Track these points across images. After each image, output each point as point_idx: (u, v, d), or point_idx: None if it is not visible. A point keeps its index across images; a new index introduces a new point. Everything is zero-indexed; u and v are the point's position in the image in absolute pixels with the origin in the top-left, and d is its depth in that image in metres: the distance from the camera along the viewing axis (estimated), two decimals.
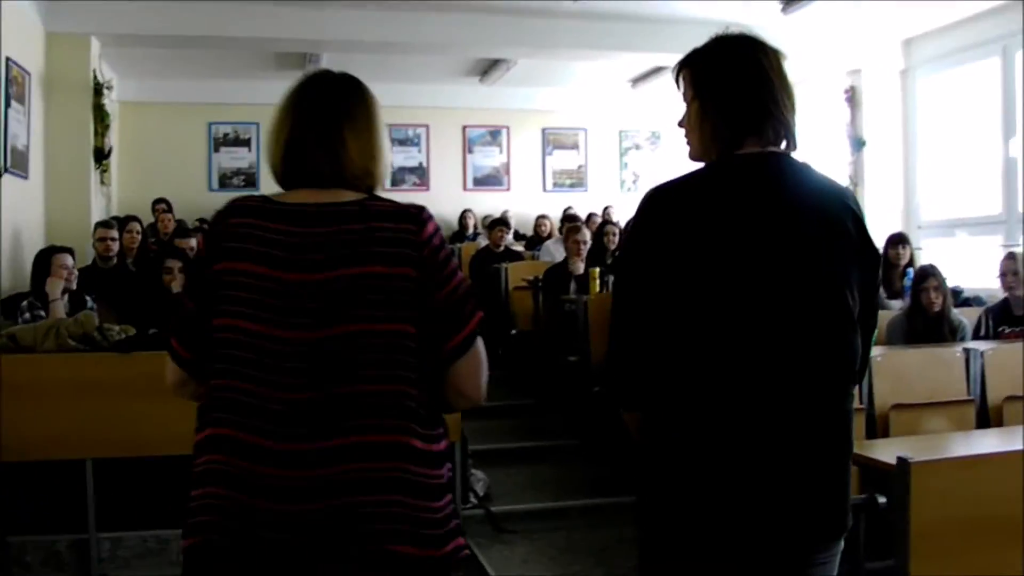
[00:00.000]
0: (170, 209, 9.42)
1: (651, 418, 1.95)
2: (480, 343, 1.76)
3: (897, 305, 6.05)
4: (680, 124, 2.06)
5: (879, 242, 3.42)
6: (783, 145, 1.97)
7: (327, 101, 1.81)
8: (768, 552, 1.88)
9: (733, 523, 1.84)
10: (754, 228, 1.86)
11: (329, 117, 1.78)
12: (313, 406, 1.61)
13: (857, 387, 2.04)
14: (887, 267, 6.49)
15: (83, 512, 4.34)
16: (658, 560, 1.97)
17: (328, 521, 1.60)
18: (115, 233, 6.17)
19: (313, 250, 1.66)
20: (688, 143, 2.04)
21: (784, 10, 8.02)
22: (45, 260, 5.00)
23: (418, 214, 1.72)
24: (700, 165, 1.99)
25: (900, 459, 2.90)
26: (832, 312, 1.88)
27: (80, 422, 4.28)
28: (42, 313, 4.78)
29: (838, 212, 1.93)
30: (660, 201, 1.93)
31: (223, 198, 6.91)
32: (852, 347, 1.92)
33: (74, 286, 4.99)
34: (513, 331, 7.60)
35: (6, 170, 5.41)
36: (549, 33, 8.47)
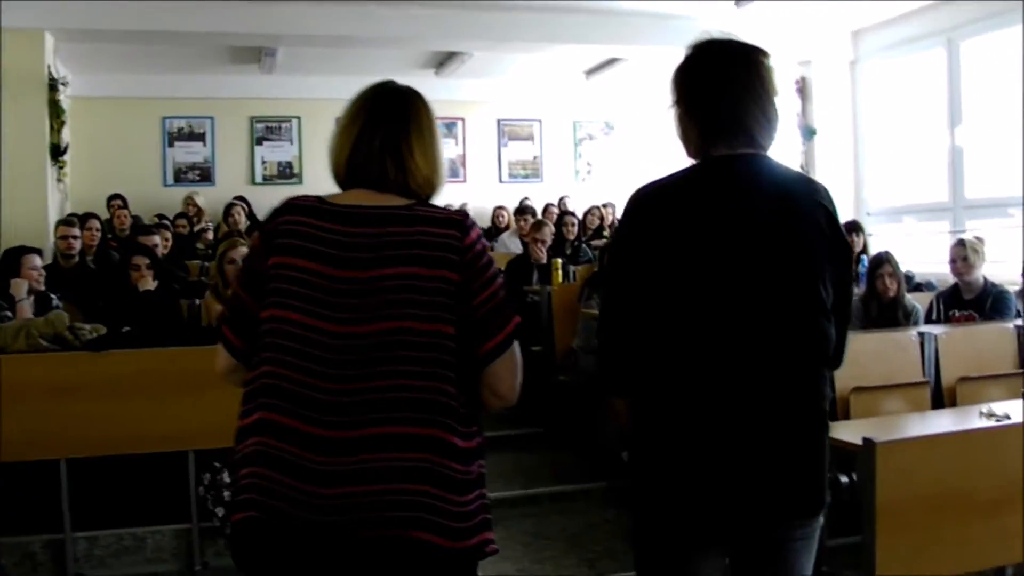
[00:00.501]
0: (125, 205, 9.34)
1: (638, 404, 2.09)
2: (516, 347, 1.86)
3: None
4: None
5: None
6: (755, 146, 2.09)
7: (395, 110, 1.92)
8: (749, 527, 2.02)
9: (714, 501, 1.97)
10: (726, 224, 2.00)
11: (398, 125, 1.90)
12: (353, 396, 1.71)
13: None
14: None
15: (58, 512, 4.34)
16: (648, 537, 2.11)
17: (359, 506, 1.69)
18: (77, 231, 6.15)
19: (361, 249, 1.77)
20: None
21: (737, 3, 8.15)
22: (12, 260, 4.96)
23: (463, 221, 1.83)
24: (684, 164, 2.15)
25: (866, 440, 3.04)
26: (803, 301, 2.01)
27: (54, 422, 4.27)
28: (8, 314, 4.75)
29: (809, 207, 2.07)
30: (642, 201, 2.10)
31: (177, 193, 7.01)
32: (824, 333, 2.05)
33: (42, 287, 4.96)
34: None
35: None
36: (506, 26, 8.52)
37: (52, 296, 5.01)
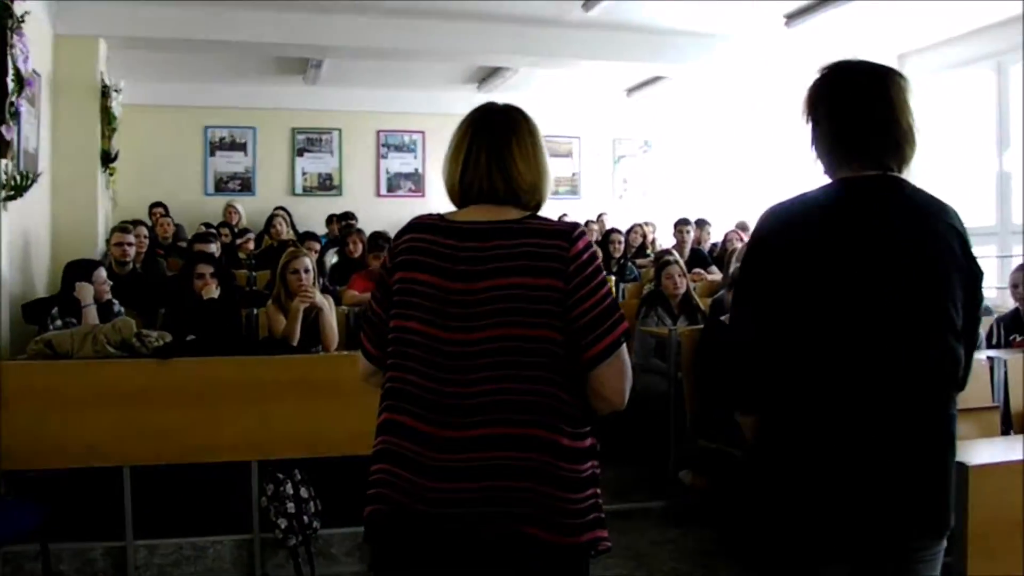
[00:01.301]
0: (167, 213, 9.38)
1: (769, 420, 2.10)
2: (624, 351, 1.95)
3: None
4: None
5: None
6: (889, 168, 2.09)
7: (496, 126, 2.04)
8: (878, 544, 2.00)
9: (844, 516, 1.98)
10: (865, 245, 2.00)
11: (501, 141, 2.02)
12: (466, 399, 1.85)
13: None
14: None
15: (120, 519, 4.32)
16: (777, 549, 2.11)
17: (473, 501, 1.83)
18: (132, 238, 6.15)
19: (473, 263, 1.91)
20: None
21: (788, 24, 8.12)
22: (77, 270, 4.96)
23: (571, 232, 1.93)
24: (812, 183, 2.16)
25: (959, 463, 2.98)
26: (938, 323, 2.01)
27: (118, 429, 4.27)
28: (73, 320, 4.74)
29: (943, 231, 2.07)
30: (778, 220, 2.10)
31: (218, 202, 7.01)
32: (955, 356, 2.05)
33: (107, 297, 4.95)
34: None
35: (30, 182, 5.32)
36: (551, 42, 8.50)
37: (115, 302, 5.00)
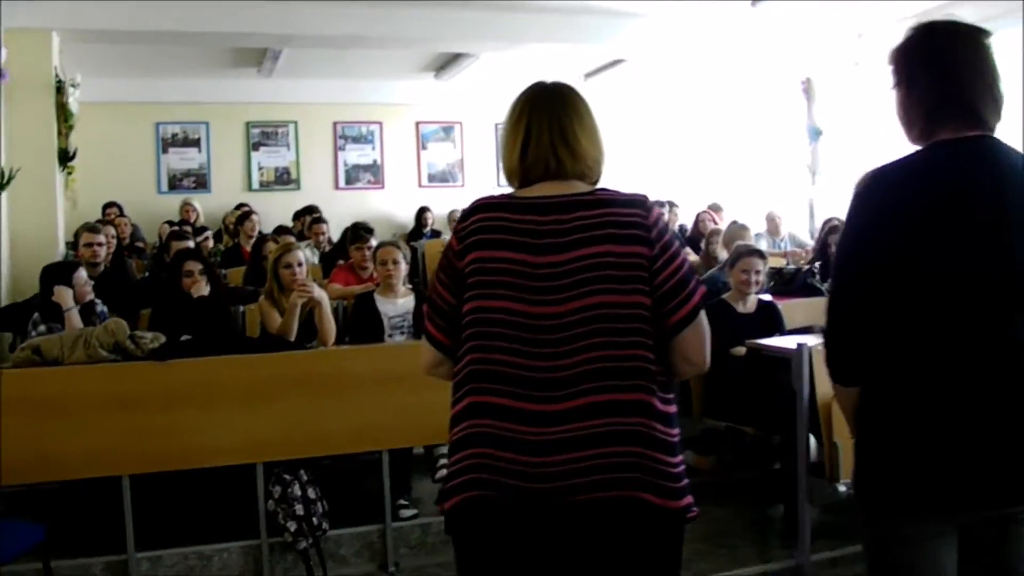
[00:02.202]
0: (122, 213, 9.08)
1: (874, 392, 2.03)
2: (703, 316, 1.97)
3: None
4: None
5: None
6: (984, 128, 2.03)
7: (554, 103, 2.04)
8: (991, 510, 1.97)
9: (959, 486, 1.93)
10: (968, 207, 1.94)
11: (563, 118, 2.02)
12: (562, 371, 1.85)
13: None
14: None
15: (120, 531, 4.11)
16: (884, 523, 2.05)
17: (581, 471, 1.82)
18: (102, 238, 5.88)
19: (558, 235, 1.92)
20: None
21: (753, 4, 8.11)
22: (55, 274, 4.71)
23: (645, 201, 1.98)
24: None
25: None
26: None
27: (115, 437, 4.05)
28: (57, 325, 4.51)
29: None
30: (877, 186, 2.01)
31: (173, 200, 6.79)
32: None
33: (89, 298, 4.71)
34: None
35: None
36: (514, 26, 8.40)
37: (97, 302, 4.77)
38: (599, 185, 2.04)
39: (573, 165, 1.99)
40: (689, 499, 1.90)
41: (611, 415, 1.84)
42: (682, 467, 1.92)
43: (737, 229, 6.54)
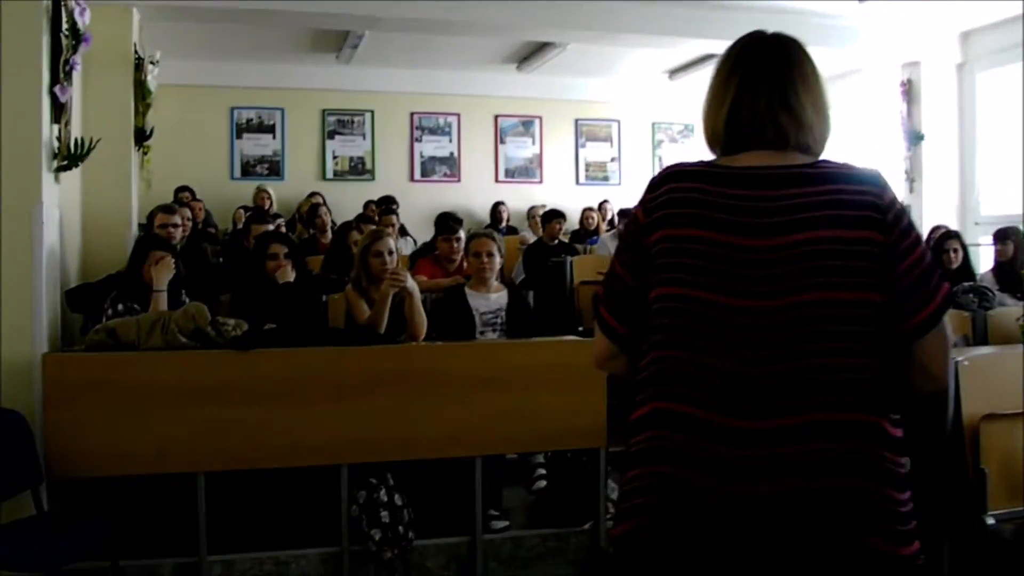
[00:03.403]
0: (195, 197, 8.87)
1: None
2: (947, 319, 1.63)
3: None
4: None
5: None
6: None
7: (775, 61, 1.72)
8: None
9: None
10: None
11: (785, 78, 1.70)
12: (774, 380, 1.51)
13: None
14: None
15: (193, 532, 3.81)
16: None
17: (789, 505, 1.47)
18: (178, 219, 5.61)
19: (771, 214, 1.59)
20: None
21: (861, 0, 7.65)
22: (151, 246, 4.41)
23: (878, 177, 1.64)
24: None
25: None
26: None
27: (192, 431, 3.78)
28: (137, 307, 4.22)
29: None
30: None
31: (246, 187, 6.42)
32: None
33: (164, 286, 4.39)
34: (580, 328, 7.16)
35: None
36: (603, 15, 8.00)
37: (182, 291, 4.47)
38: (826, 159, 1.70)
39: (797, 135, 1.67)
40: (918, 544, 1.53)
41: (833, 439, 1.49)
42: (911, 504, 1.55)
43: None
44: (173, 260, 4.32)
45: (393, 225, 8.11)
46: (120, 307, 4.17)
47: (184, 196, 8.86)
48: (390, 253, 4.47)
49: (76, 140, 4.33)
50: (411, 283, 4.39)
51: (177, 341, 3.83)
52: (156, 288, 4.22)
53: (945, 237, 6.07)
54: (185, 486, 3.82)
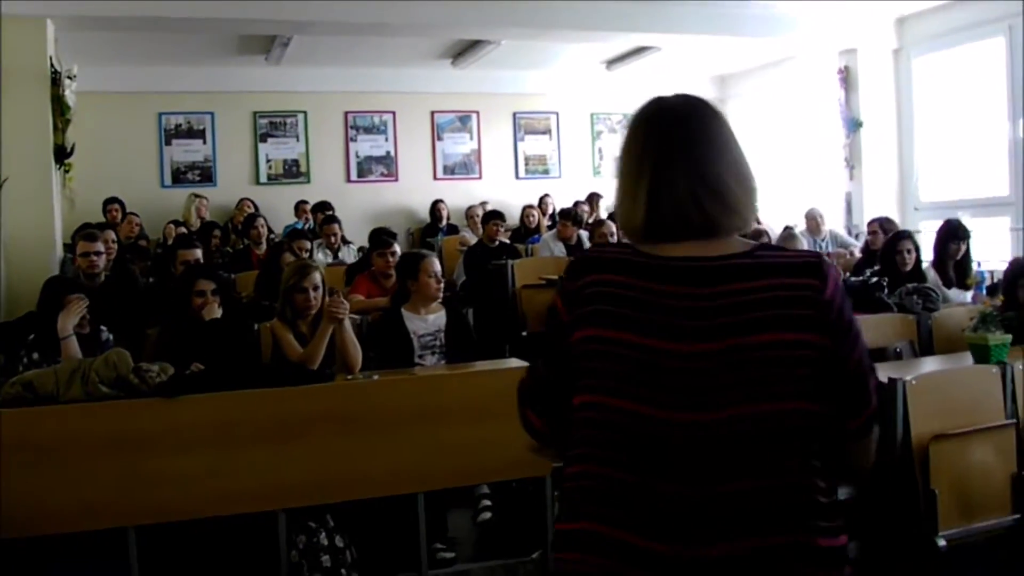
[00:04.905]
0: (125, 210, 8.61)
1: None
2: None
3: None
4: None
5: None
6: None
7: (693, 135, 1.55)
8: None
9: None
10: None
11: (702, 156, 1.53)
12: (709, 504, 1.39)
13: None
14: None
15: None
16: None
17: None
18: (100, 246, 5.38)
19: (704, 315, 1.44)
20: None
21: None
22: (59, 289, 4.21)
23: (820, 265, 1.50)
24: None
25: None
26: None
27: (119, 483, 3.59)
28: (54, 353, 4.02)
29: None
30: None
31: (178, 195, 6.18)
32: None
33: (87, 329, 4.20)
34: (524, 332, 7.07)
35: None
36: (540, 13, 7.90)
37: (102, 329, 4.27)
38: (756, 237, 1.55)
39: (726, 219, 1.51)
40: None
41: (767, 565, 1.38)
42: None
43: (787, 237, 6.02)
44: (83, 302, 4.10)
45: (336, 234, 7.94)
46: (35, 355, 3.96)
47: (113, 209, 8.60)
48: (315, 288, 4.30)
49: None
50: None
51: (99, 391, 3.64)
52: (62, 335, 4.01)
53: (897, 238, 5.94)
54: (116, 541, 3.65)
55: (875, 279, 5.03)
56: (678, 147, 1.54)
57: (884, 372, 3.75)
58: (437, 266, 4.68)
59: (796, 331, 1.43)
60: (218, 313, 4.33)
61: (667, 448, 1.41)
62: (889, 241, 5.94)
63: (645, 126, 1.61)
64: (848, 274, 6.02)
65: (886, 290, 5.05)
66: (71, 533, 3.62)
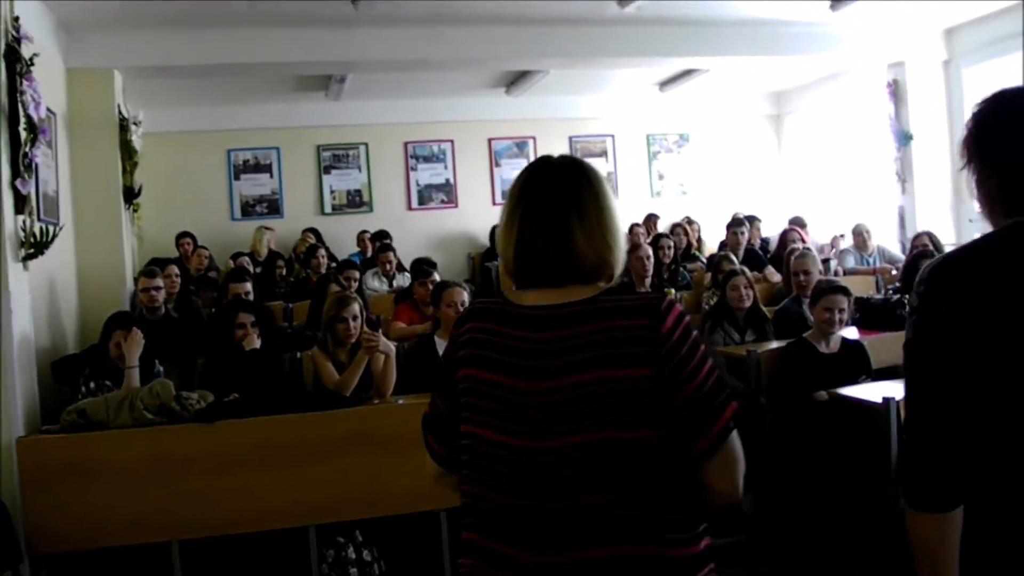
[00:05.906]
0: (196, 243, 9.08)
1: (969, 518, 1.71)
2: (734, 436, 1.67)
3: None
4: None
5: None
6: None
7: (553, 195, 1.75)
8: None
9: None
10: None
11: (556, 213, 1.73)
12: (561, 519, 1.60)
13: None
14: None
15: None
16: None
17: None
18: (160, 281, 5.79)
19: (544, 356, 1.65)
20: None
21: (833, 7, 7.68)
22: (119, 325, 4.60)
23: (657, 306, 1.65)
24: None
25: None
26: None
27: (163, 501, 3.95)
28: (108, 383, 4.41)
29: None
30: (954, 274, 1.72)
31: (247, 227, 6.57)
32: None
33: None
34: None
35: (39, 218, 4.97)
36: (585, 41, 8.07)
37: (155, 362, 4.65)
38: (610, 284, 1.74)
39: (574, 271, 1.70)
40: None
41: (607, 572, 1.58)
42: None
43: (800, 259, 6.09)
44: (141, 334, 4.48)
45: (391, 262, 8.27)
46: (92, 384, 4.35)
47: (186, 242, 9.07)
48: (354, 318, 4.60)
49: (40, 228, 4.50)
50: (385, 344, 4.52)
51: (144, 418, 4.01)
52: (127, 365, 4.39)
53: (920, 256, 5.95)
54: (161, 554, 3.99)
55: (896, 296, 5.11)
56: (544, 205, 1.74)
57: (893, 390, 3.90)
58: (460, 296, 4.92)
59: (628, 367, 1.60)
60: (257, 344, 4.66)
61: (524, 471, 1.63)
62: (911, 260, 5.98)
63: (524, 182, 1.80)
64: (879, 296, 6.06)
65: (907, 308, 5.12)
66: (118, 548, 3.98)
